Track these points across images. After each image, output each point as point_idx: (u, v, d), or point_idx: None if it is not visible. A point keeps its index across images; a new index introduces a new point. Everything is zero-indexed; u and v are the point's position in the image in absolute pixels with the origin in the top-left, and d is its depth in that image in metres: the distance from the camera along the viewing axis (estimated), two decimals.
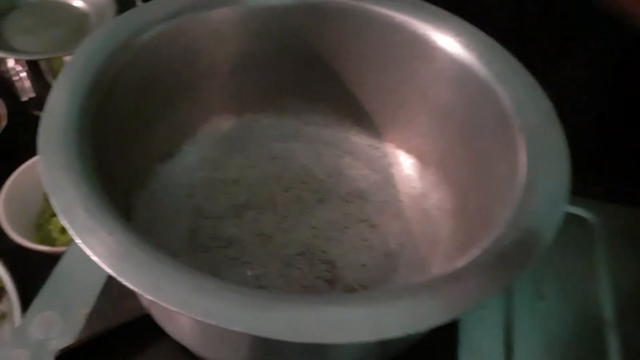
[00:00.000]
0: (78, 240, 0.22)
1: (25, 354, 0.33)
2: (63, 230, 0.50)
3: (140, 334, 0.32)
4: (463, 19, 0.34)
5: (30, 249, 0.46)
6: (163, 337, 0.30)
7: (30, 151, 0.51)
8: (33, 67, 0.56)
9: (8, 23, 0.59)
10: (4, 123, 0.54)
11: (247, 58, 0.37)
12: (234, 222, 0.36)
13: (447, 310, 0.21)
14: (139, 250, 0.22)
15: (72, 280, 0.36)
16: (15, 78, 0.58)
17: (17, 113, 0.57)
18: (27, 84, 0.58)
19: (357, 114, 0.40)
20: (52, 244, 0.49)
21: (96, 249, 0.22)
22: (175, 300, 0.20)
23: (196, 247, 0.34)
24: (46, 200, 0.52)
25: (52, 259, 0.38)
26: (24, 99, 0.60)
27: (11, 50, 0.56)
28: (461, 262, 0.23)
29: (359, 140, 0.40)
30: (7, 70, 0.58)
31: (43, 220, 0.51)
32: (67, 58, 0.55)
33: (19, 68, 0.57)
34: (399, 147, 0.39)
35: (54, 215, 0.51)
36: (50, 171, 0.24)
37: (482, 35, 0.34)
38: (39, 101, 0.60)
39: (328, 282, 0.33)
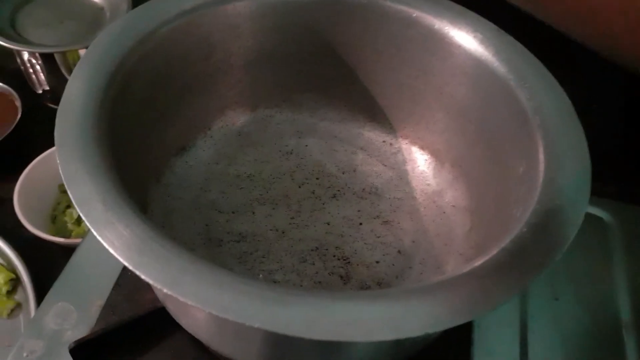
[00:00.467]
0: (95, 234, 0.22)
1: (40, 345, 0.33)
2: (78, 222, 0.50)
3: (154, 327, 0.32)
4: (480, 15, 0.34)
5: (46, 240, 0.46)
6: (177, 330, 0.30)
7: (45, 143, 0.52)
8: (48, 60, 0.57)
9: (23, 16, 0.59)
10: (19, 115, 0.55)
11: (262, 53, 0.37)
12: (248, 217, 0.36)
13: (467, 311, 0.21)
14: (157, 244, 0.22)
15: (86, 272, 0.37)
16: (30, 71, 0.59)
17: (31, 105, 0.57)
18: (42, 76, 0.59)
19: (372, 110, 0.40)
20: (67, 236, 0.49)
21: (114, 242, 0.22)
22: (194, 295, 0.20)
23: (210, 241, 0.34)
24: (61, 192, 0.52)
25: (67, 251, 0.38)
26: (39, 91, 0.61)
27: (26, 43, 0.56)
28: (478, 260, 0.23)
29: (374, 136, 0.40)
30: (23, 63, 0.58)
31: (58, 212, 0.51)
32: (82, 51, 0.55)
33: (33, 61, 0.57)
34: (414, 143, 0.39)
35: (69, 206, 0.51)
36: (68, 163, 0.24)
37: (500, 31, 0.33)
38: (53, 94, 0.60)
39: (342, 278, 0.33)
